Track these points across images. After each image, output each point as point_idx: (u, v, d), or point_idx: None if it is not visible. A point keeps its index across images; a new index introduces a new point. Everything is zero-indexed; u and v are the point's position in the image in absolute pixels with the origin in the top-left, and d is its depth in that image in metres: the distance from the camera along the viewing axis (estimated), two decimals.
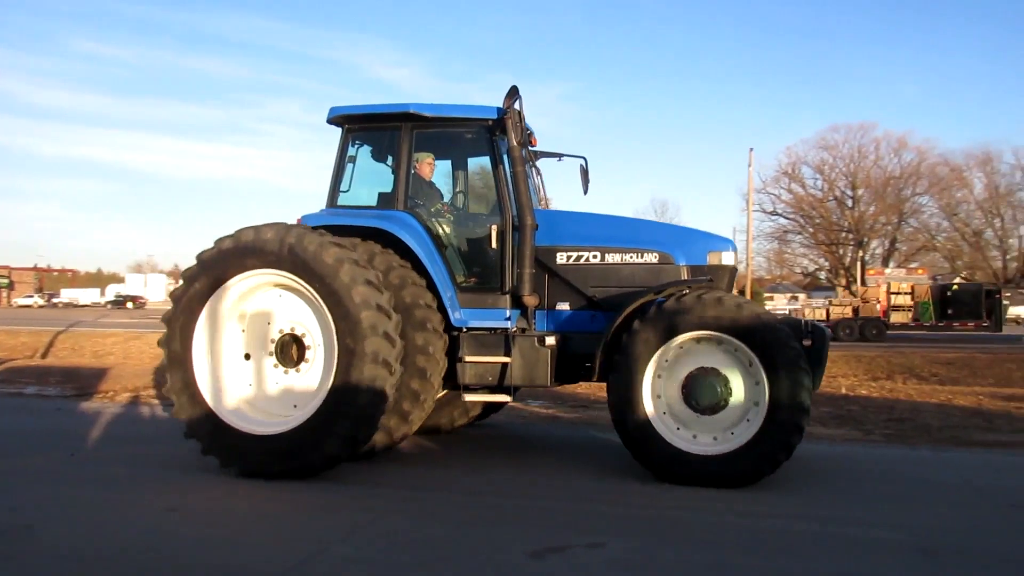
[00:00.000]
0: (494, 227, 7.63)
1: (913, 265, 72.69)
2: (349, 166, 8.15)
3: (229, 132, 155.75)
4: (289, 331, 7.26)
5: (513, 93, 7.46)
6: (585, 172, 8.86)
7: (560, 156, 8.88)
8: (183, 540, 5.33)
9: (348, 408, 6.68)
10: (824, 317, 32.14)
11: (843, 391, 14.18)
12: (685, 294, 6.96)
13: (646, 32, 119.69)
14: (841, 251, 71.13)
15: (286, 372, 7.25)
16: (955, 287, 34.28)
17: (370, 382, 6.68)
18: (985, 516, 6.07)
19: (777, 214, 70.93)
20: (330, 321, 6.83)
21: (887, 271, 68.72)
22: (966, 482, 7.21)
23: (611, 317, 7.32)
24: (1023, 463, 8.20)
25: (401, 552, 5.15)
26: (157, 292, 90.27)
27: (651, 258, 7.74)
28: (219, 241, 7.15)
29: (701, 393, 6.85)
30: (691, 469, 6.73)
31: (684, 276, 7.64)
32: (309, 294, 6.95)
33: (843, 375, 17.75)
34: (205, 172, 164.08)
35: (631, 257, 7.76)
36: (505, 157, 7.62)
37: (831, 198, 71.61)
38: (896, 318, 32.36)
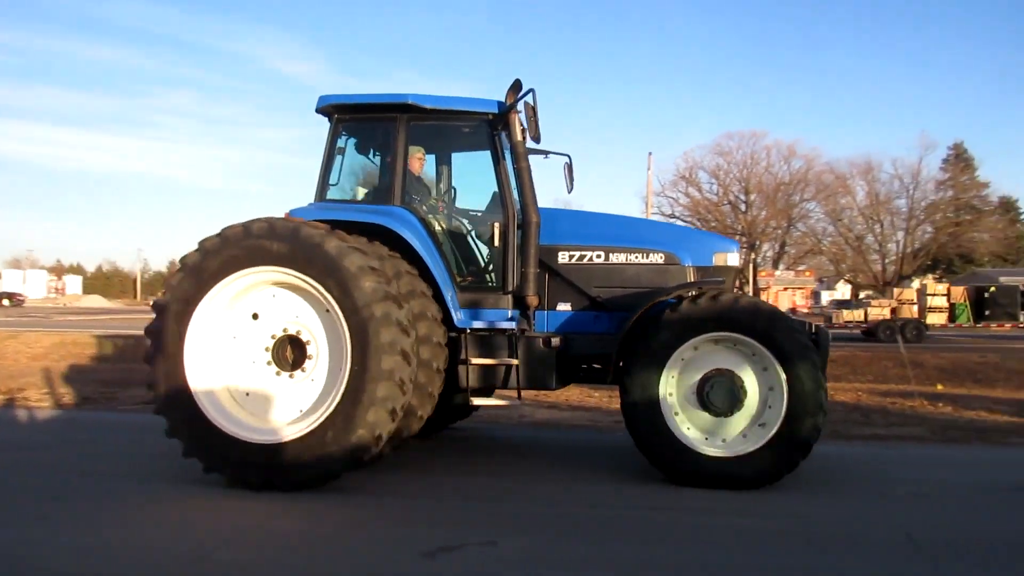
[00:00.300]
0: (496, 224, 7.33)
1: (801, 267, 76.02)
2: (338, 158, 7.76)
3: (119, 122, 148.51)
4: (286, 332, 6.81)
5: (517, 87, 7.17)
6: (570, 169, 8.53)
7: (547, 153, 8.48)
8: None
9: (357, 425, 6.31)
10: (862, 318, 32.26)
11: None
12: (701, 295, 6.90)
13: (549, 34, 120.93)
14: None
15: (279, 375, 6.79)
16: (992, 288, 33.43)
17: (381, 401, 6.34)
18: (860, 503, 6.39)
19: (675, 217, 72.75)
20: (344, 329, 6.44)
21: (777, 273, 71.62)
22: (846, 472, 7.62)
23: (616, 318, 7.30)
24: (895, 455, 8.66)
25: (291, 555, 5.03)
26: (37, 289, 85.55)
27: (657, 258, 7.61)
28: (226, 230, 6.69)
29: (717, 395, 6.79)
30: (708, 471, 6.69)
31: (690, 277, 7.53)
32: (316, 295, 6.58)
33: None
34: (92, 163, 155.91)
35: (636, 257, 7.61)
36: (507, 153, 7.41)
37: (726, 202, 74.16)
38: (932, 319, 31.73)
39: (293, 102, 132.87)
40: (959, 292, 32.32)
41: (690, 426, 6.90)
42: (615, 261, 7.58)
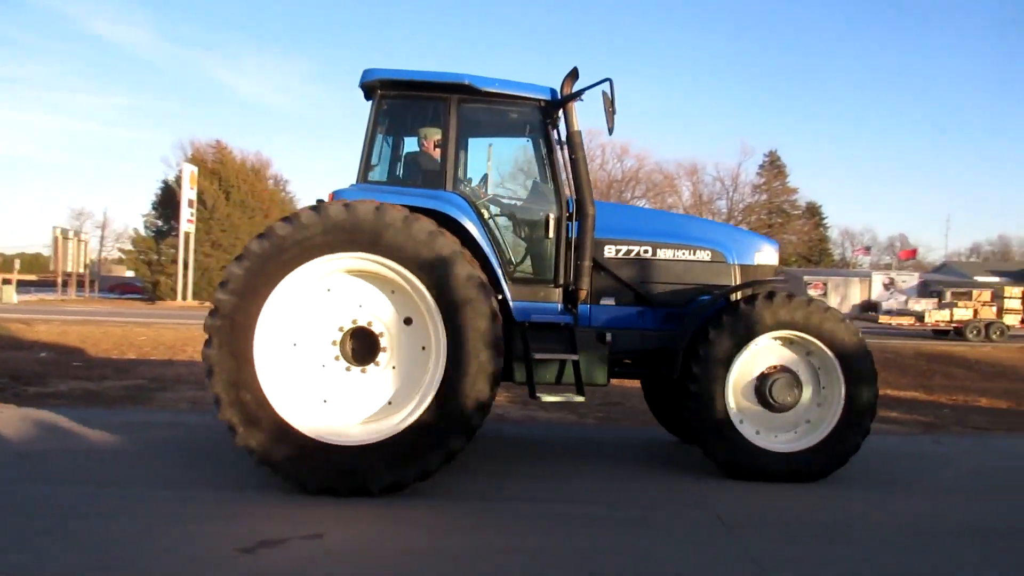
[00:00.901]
0: (549, 215, 7.06)
1: None
2: (379, 138, 7.24)
3: None
4: (357, 324, 6.39)
5: (575, 75, 6.90)
6: (611, 101, 6.95)
7: (581, 94, 7.15)
8: None
9: (456, 418, 6.06)
10: (948, 319, 34.68)
11: None
12: (773, 293, 7.02)
13: (384, 14, 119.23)
14: None
15: (349, 370, 6.39)
16: None
17: (479, 394, 6.11)
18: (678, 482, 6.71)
19: None
20: (436, 316, 6.16)
21: None
22: (653, 457, 7.98)
23: (661, 313, 7.34)
24: None
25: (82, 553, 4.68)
26: None
27: (704, 255, 7.58)
28: (300, 215, 6.20)
29: (778, 391, 6.96)
30: (767, 465, 6.86)
31: (736, 274, 7.59)
32: (390, 283, 6.31)
33: None
34: None
35: (684, 254, 7.54)
36: (560, 142, 7.21)
37: None
38: (1007, 320, 34.79)
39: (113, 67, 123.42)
40: None
41: (743, 419, 7.02)
42: (662, 257, 7.49)
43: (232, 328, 6.05)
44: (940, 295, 38.38)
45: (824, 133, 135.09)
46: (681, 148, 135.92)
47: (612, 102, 6.77)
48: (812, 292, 62.00)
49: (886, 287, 64.83)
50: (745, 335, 6.90)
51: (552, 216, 7.06)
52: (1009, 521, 6.19)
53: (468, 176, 7.76)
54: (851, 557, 5.14)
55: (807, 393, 7.13)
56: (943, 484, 7.42)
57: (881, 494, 6.85)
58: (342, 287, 6.42)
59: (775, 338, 7.06)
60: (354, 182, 7.03)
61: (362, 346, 6.43)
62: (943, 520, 6.15)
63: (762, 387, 7.03)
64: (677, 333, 7.10)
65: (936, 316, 35.63)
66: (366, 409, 6.39)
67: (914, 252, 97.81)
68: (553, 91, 7.12)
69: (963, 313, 35.16)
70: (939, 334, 34.83)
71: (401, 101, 7.29)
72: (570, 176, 7.15)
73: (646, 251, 7.46)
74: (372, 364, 6.39)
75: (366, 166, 7.13)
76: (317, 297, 6.39)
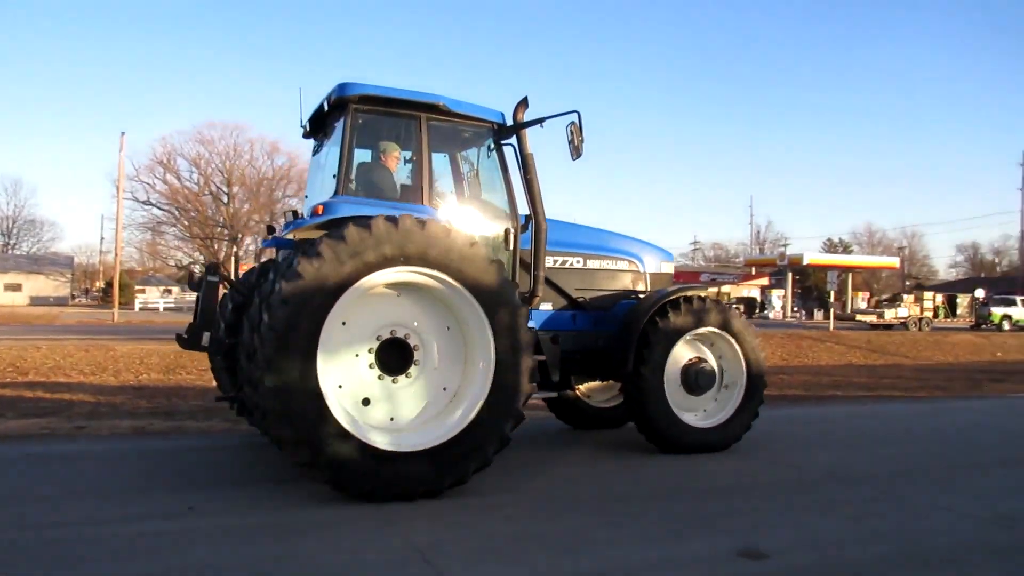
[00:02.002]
0: (508, 228, 7.55)
1: None
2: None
3: None
4: (393, 334, 6.56)
5: (525, 103, 7.65)
6: (577, 130, 7.45)
7: (542, 122, 7.64)
8: None
9: (509, 411, 6.55)
10: (906, 316, 45.55)
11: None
12: (700, 297, 8.44)
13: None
14: (216, 246, 71.77)
15: (382, 378, 6.52)
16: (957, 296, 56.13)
17: (526, 389, 6.65)
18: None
19: (151, 204, 68.27)
20: (485, 327, 6.53)
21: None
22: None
23: (592, 317, 8.44)
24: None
25: None
26: None
27: (624, 265, 8.91)
28: (355, 230, 6.15)
29: (701, 378, 8.34)
30: (695, 440, 8.21)
31: (648, 282, 9.02)
32: (442, 294, 6.56)
33: None
34: None
35: (608, 264, 8.77)
36: (515, 161, 7.73)
37: (207, 192, 71.82)
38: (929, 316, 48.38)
39: None
40: (940, 298, 53.80)
41: (675, 404, 8.21)
42: (591, 267, 8.64)
43: (291, 344, 5.95)
44: None
45: None
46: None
47: (580, 131, 7.42)
48: None
49: None
50: (676, 334, 8.16)
51: (511, 230, 7.58)
52: (646, 485, 6.95)
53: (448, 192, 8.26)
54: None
55: (716, 379, 8.57)
56: (574, 458, 8.16)
57: (516, 473, 7.37)
58: (380, 299, 6.56)
59: (694, 336, 8.37)
60: (333, 194, 7.02)
61: (399, 355, 6.59)
62: (574, 487, 6.76)
63: (685, 375, 8.35)
64: (619, 334, 8.22)
65: (906, 314, 46.78)
66: (417, 412, 6.62)
67: None
68: (504, 116, 7.75)
69: (907, 313, 46.79)
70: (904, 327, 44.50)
71: (374, 116, 7.40)
72: (525, 192, 7.72)
73: (578, 262, 8.55)
74: (403, 376, 6.58)
75: (346, 179, 7.11)
76: (361, 309, 6.43)
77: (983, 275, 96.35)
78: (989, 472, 7.79)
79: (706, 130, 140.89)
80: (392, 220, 6.30)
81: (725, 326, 8.43)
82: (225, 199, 72.12)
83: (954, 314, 54.01)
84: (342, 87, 7.17)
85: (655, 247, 9.46)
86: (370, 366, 6.48)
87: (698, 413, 8.47)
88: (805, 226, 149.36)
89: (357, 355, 6.47)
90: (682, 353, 8.38)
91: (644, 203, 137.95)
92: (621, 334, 8.22)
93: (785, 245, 72.03)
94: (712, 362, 8.53)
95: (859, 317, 47.87)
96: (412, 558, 4.81)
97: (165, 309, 64.11)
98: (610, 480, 7.19)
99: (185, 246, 73.19)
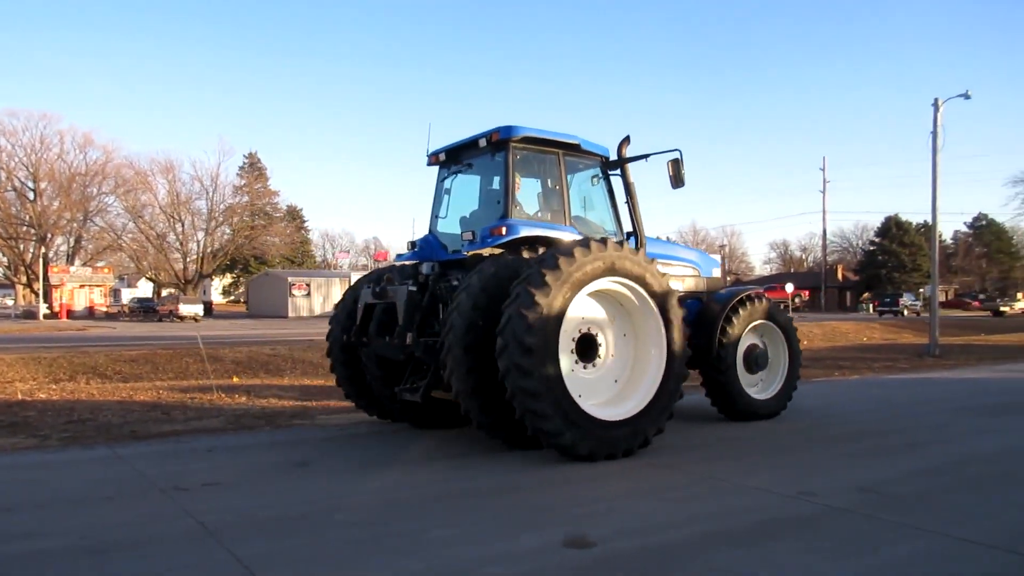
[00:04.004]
0: (620, 243, 8.40)
1: (100, 264, 72.36)
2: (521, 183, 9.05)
3: None
4: (581, 332, 8.15)
5: (627, 140, 9.57)
6: (676, 165, 9.32)
7: (647, 157, 9.53)
8: None
9: (675, 391, 8.42)
10: None
11: (19, 396, 13.06)
12: (757, 296, 10.75)
13: None
14: (23, 246, 66.24)
15: (578, 364, 8.12)
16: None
17: (686, 374, 8.67)
18: (153, 502, 6.28)
19: None
20: (659, 320, 8.33)
21: (72, 269, 66.80)
22: (139, 474, 7.35)
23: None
24: (190, 448, 8.76)
25: None
26: None
27: (690, 271, 10.92)
28: (592, 246, 7.91)
29: (760, 359, 10.67)
30: (757, 409, 10.52)
31: (705, 285, 11.00)
32: (639, 307, 8.34)
33: (21, 379, 16.40)
34: None
35: (680, 270, 10.69)
36: (622, 189, 9.66)
37: (10, 188, 66.10)
38: None
39: None
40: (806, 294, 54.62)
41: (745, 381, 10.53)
42: (671, 273, 10.08)
43: (545, 341, 7.44)
44: None
45: (303, 138, 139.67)
46: (155, 143, 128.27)
47: (682, 165, 9.23)
48: (296, 292, 63.88)
49: None
50: (743, 325, 10.40)
51: (623, 242, 8.52)
52: (480, 482, 7.05)
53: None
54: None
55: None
56: (411, 458, 8.17)
57: (356, 474, 7.32)
58: (589, 302, 8.25)
59: (753, 326, 10.57)
60: (502, 216, 8.64)
61: (590, 346, 8.25)
62: (413, 487, 6.76)
63: (747, 357, 10.53)
64: (699, 327, 10.20)
65: None
66: (613, 392, 8.34)
67: (386, 254, 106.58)
68: (611, 152, 9.66)
69: None
70: None
71: (527, 152, 8.96)
72: (630, 214, 9.66)
73: (663, 267, 9.66)
74: (591, 365, 8.26)
75: (511, 203, 8.67)
76: (576, 309, 7.99)
77: (792, 270, 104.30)
78: (791, 453, 8.47)
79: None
80: (603, 241, 8.06)
81: (774, 318, 10.82)
82: (31, 196, 66.62)
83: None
84: (508, 129, 8.72)
85: (707, 255, 11.62)
86: (572, 352, 8.04)
87: (755, 388, 10.68)
88: None
89: (571, 349, 8.05)
90: (745, 340, 10.53)
91: None
92: (702, 327, 10.19)
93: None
94: (764, 347, 10.78)
95: None
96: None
97: None
98: (443, 479, 7.24)
99: None
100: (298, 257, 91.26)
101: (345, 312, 9.95)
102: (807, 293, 71.52)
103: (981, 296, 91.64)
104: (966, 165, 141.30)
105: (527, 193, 9.25)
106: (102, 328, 43.67)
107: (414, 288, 8.73)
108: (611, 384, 8.35)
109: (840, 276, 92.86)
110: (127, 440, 9.16)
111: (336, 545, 5.21)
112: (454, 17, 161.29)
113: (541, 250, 8.46)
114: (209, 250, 72.02)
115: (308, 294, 65.83)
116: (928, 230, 34.85)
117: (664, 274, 8.54)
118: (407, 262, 9.60)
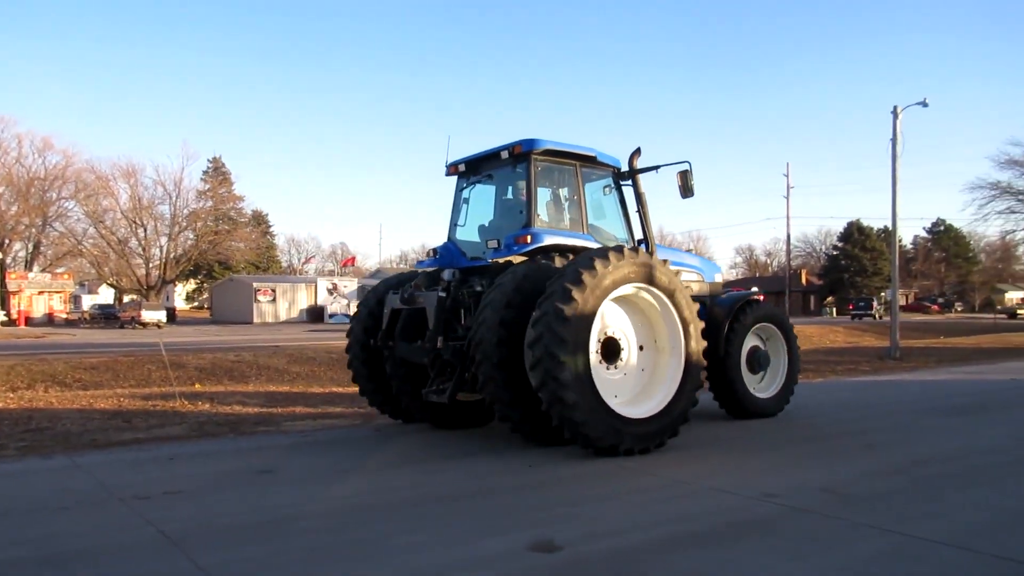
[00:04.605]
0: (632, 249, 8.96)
1: (59, 270, 71.06)
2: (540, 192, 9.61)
3: None
4: (605, 335, 8.59)
5: (638, 152, 10.00)
6: (684, 176, 9.89)
7: (658, 168, 10.03)
8: None
9: (694, 392, 8.88)
10: None
11: None
12: (759, 300, 11.51)
13: None
14: None
15: (601, 364, 8.48)
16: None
17: (703, 376, 9.17)
18: (112, 512, 6.17)
19: None
20: (679, 326, 8.80)
21: (31, 275, 65.53)
22: (99, 483, 7.23)
23: None
24: (152, 456, 8.62)
25: None
26: None
27: (695, 276, 11.23)
28: (634, 253, 8.57)
29: (762, 360, 11.23)
30: (760, 407, 11.05)
31: (708, 290, 11.35)
32: (659, 311, 8.83)
33: None
34: None
35: (686, 275, 10.73)
36: (634, 197, 10.13)
37: None
38: None
39: None
40: None
41: (747, 380, 11.07)
42: (684, 278, 10.22)
43: (576, 335, 7.84)
44: None
45: (268, 143, 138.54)
46: (116, 147, 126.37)
47: (692, 176, 9.80)
48: (262, 298, 63.26)
49: (330, 292, 69.17)
50: (747, 328, 11.03)
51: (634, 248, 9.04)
52: (446, 487, 7.03)
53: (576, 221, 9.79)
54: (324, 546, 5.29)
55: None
56: (377, 464, 8.14)
57: (321, 481, 7.26)
58: (611, 307, 8.62)
59: (755, 329, 11.22)
60: (525, 225, 9.06)
61: (614, 349, 8.66)
62: (378, 493, 6.74)
63: (750, 358, 11.10)
64: (707, 329, 9.51)
65: None
66: (633, 393, 8.77)
67: (353, 259, 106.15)
68: (623, 163, 10.12)
69: None
70: None
71: (547, 164, 9.46)
72: (640, 221, 10.09)
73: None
74: (613, 367, 8.66)
75: (533, 212, 9.10)
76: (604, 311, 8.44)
77: (757, 275, 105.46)
78: (755, 455, 8.57)
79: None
80: (634, 249, 8.68)
81: (775, 321, 11.53)
82: None
83: None
84: (530, 143, 9.14)
85: (710, 261, 12.14)
86: (597, 352, 8.36)
87: (758, 387, 11.24)
88: None
89: (597, 349, 8.36)
90: (748, 342, 11.10)
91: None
92: (708, 330, 9.83)
93: None
94: (765, 348, 11.39)
95: None
96: None
97: None
98: (412, 484, 7.21)
99: None
100: (263, 262, 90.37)
101: (367, 312, 10.30)
102: (763, 297, 70.79)
103: (940, 300, 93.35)
104: (925, 171, 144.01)
105: (546, 202, 9.75)
106: (62, 335, 42.83)
107: (444, 294, 9.04)
108: (632, 385, 8.81)
109: (804, 280, 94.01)
110: (87, 449, 9.01)
111: (299, 553, 5.17)
112: (422, 18, 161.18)
113: (559, 258, 9.04)
114: (172, 255, 71.02)
115: (273, 300, 65.21)
116: (889, 235, 35.42)
117: (688, 284, 9.29)
118: (428, 268, 9.97)
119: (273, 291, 65.47)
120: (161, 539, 5.42)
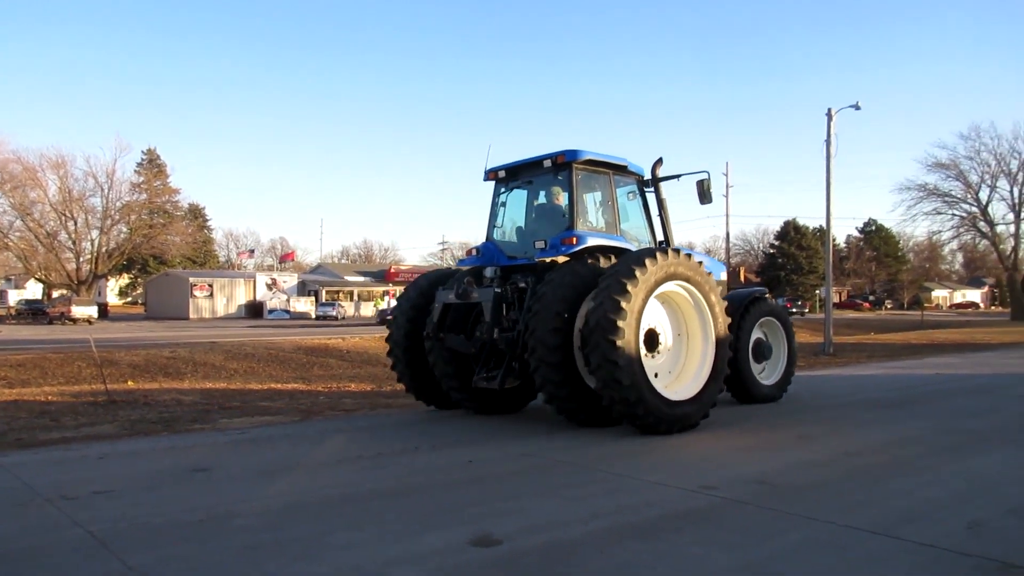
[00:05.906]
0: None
1: None
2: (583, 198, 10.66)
3: None
4: (652, 327, 9.62)
5: (660, 162, 11.18)
6: (702, 185, 11.16)
7: (679, 176, 11.41)
8: None
9: (720, 380, 10.01)
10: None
11: None
12: (765, 296, 12.72)
13: None
14: None
15: (647, 355, 9.42)
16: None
17: (727, 364, 10.14)
18: (38, 513, 5.97)
19: None
20: (710, 321, 9.94)
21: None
22: (24, 484, 6.98)
23: None
24: (80, 456, 8.36)
25: None
26: None
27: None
28: (676, 253, 9.61)
29: (765, 350, 12.49)
30: (765, 393, 12.22)
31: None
32: (692, 304, 9.94)
33: None
34: None
35: None
36: (655, 202, 11.32)
37: None
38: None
39: None
40: None
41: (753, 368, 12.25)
42: None
43: (628, 323, 8.77)
44: (316, 293, 43.62)
45: (205, 136, 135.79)
46: (44, 137, 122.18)
47: (710, 185, 11.08)
48: (198, 293, 61.96)
49: (269, 287, 68.11)
50: (753, 321, 12.22)
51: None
52: (385, 484, 6.97)
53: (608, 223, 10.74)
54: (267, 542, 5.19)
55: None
56: (316, 461, 8.04)
57: (257, 479, 7.14)
58: (651, 302, 9.44)
59: (760, 322, 12.45)
60: (568, 228, 9.98)
61: (654, 341, 9.59)
62: (316, 491, 6.65)
63: (755, 348, 12.27)
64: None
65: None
66: (673, 377, 9.83)
67: (293, 254, 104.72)
68: (648, 172, 11.28)
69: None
70: None
71: (586, 173, 10.36)
72: (661, 225, 11.28)
73: None
74: (660, 348, 9.71)
75: (575, 217, 10.01)
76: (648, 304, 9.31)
77: None
78: (694, 448, 8.70)
79: (459, 127, 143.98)
80: (677, 250, 9.63)
81: (777, 315, 12.78)
82: None
83: None
84: (573, 153, 10.07)
85: (716, 260, 12.94)
86: (641, 342, 9.07)
87: (760, 375, 12.33)
88: None
89: (641, 339, 9.12)
90: (754, 334, 12.25)
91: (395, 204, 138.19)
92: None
93: None
94: (767, 340, 12.56)
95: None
96: None
97: None
98: (351, 481, 7.14)
99: None
100: (200, 257, 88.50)
101: (410, 305, 11.09)
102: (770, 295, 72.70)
103: (871, 297, 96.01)
104: (858, 172, 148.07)
105: (585, 207, 10.64)
106: None
107: (499, 290, 9.89)
108: (669, 370, 9.87)
109: (743, 278, 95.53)
110: (11, 449, 8.70)
111: (234, 551, 5.06)
112: (370, 10, 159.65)
113: (603, 258, 9.92)
114: (104, 249, 69.06)
115: (211, 295, 63.91)
116: (823, 234, 36.33)
117: (720, 282, 10.41)
118: (472, 266, 10.87)
119: (210, 286, 64.17)
120: (89, 540, 5.26)
